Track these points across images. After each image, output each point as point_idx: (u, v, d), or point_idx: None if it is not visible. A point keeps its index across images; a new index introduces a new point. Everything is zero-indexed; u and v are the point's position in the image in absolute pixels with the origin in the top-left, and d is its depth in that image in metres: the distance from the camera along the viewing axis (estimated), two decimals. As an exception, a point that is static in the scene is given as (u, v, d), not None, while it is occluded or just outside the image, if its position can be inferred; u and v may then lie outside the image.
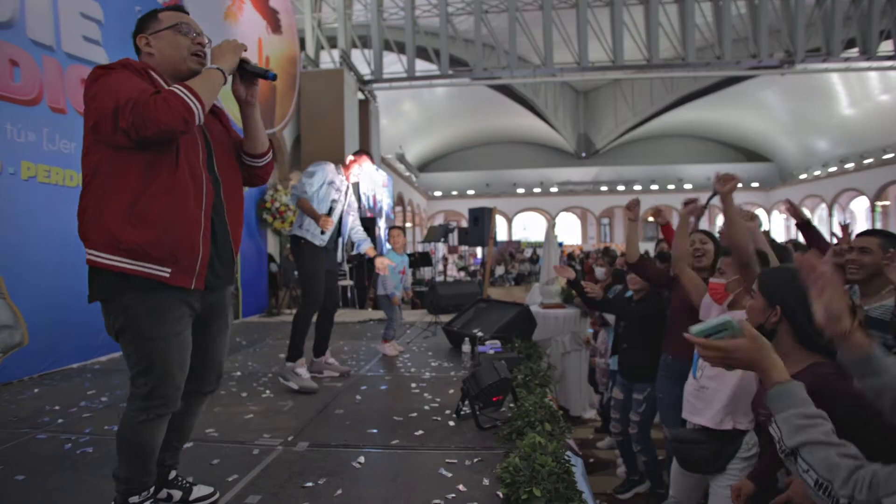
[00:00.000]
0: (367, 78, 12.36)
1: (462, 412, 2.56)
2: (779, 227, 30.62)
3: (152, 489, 1.59)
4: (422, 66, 13.03)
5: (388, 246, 4.47)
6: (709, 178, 32.07)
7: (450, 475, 1.91)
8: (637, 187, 33.02)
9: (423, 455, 2.14)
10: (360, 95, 12.18)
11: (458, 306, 5.57)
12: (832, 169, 27.12)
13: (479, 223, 6.96)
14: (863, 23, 11.93)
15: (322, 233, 3.30)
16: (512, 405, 2.52)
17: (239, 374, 3.61)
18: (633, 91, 29.41)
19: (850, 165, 25.85)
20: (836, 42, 11.80)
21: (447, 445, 2.22)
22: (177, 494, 1.69)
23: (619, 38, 12.03)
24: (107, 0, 4.31)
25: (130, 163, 1.42)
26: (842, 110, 25.53)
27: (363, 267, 8.76)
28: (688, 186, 32.55)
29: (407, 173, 26.33)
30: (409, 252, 4.37)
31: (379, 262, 3.57)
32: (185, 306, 1.53)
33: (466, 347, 3.97)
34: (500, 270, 16.57)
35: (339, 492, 1.79)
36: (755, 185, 31.39)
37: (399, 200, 23.05)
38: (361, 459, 2.07)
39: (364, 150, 3.70)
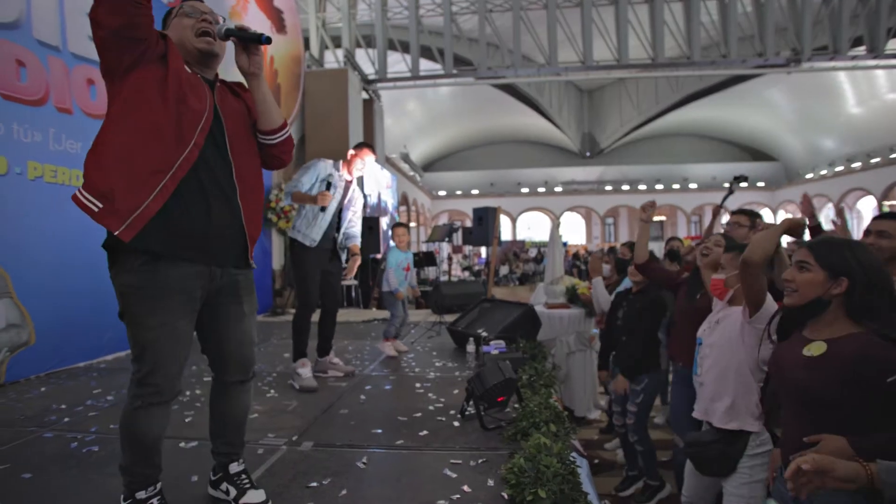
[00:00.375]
0: (371, 77, 12.37)
1: (467, 412, 2.55)
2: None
3: (159, 485, 1.58)
4: (426, 65, 13.03)
5: (392, 243, 4.40)
6: (714, 177, 32.11)
7: (454, 476, 1.90)
8: (642, 187, 32.92)
9: (428, 455, 2.14)
10: (365, 95, 12.19)
11: (463, 306, 5.56)
12: (839, 168, 26.95)
13: (484, 223, 6.94)
14: (871, 20, 11.84)
15: (319, 227, 3.26)
16: (517, 405, 2.51)
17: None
18: (638, 90, 29.31)
19: (857, 165, 25.67)
20: (843, 40, 11.72)
21: (452, 446, 2.21)
22: (232, 492, 1.68)
23: (624, 37, 11.99)
24: (112, 0, 4.32)
25: (116, 103, 1.48)
26: (849, 109, 25.36)
27: (367, 266, 8.76)
28: (693, 186, 32.43)
29: (411, 173, 26.34)
30: (413, 252, 4.30)
31: (353, 261, 3.49)
32: (181, 294, 1.51)
33: (471, 347, 3.96)
34: (504, 270, 16.56)
35: (344, 492, 1.79)
36: (761, 184, 31.23)
37: (403, 200, 23.07)
38: (366, 459, 2.07)
39: (366, 143, 3.63)
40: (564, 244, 14.26)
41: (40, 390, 3.24)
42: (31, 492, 1.84)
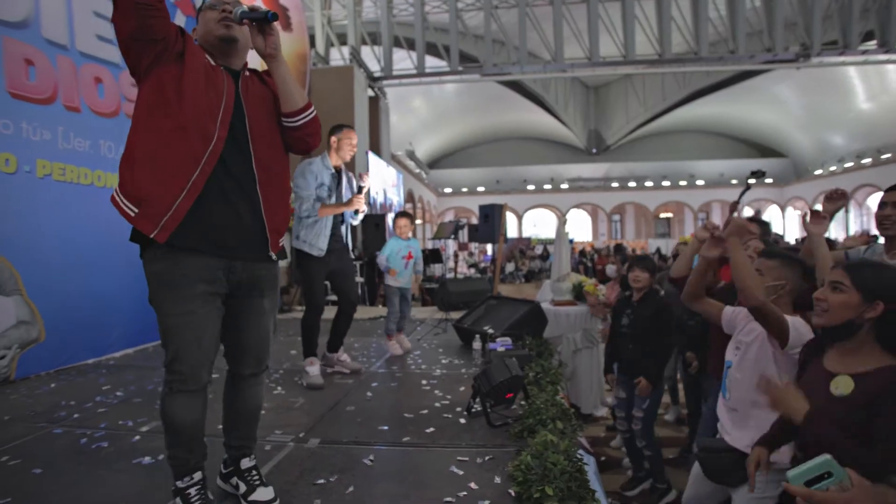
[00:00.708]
0: (377, 75, 12.37)
1: (473, 409, 2.55)
2: (793, 223, 30.21)
3: (199, 474, 1.60)
4: (431, 62, 13.01)
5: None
6: (722, 174, 31.87)
7: (461, 473, 1.90)
8: (648, 183, 32.77)
9: (435, 452, 2.14)
10: (370, 92, 12.20)
11: (469, 303, 5.56)
12: (848, 164, 26.69)
13: (490, 220, 6.93)
14: (881, 14, 11.70)
15: (325, 235, 3.22)
16: (523, 403, 2.51)
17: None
18: (645, 86, 29.12)
19: (866, 161, 25.41)
20: (853, 34, 11.59)
21: (458, 443, 2.21)
22: (242, 488, 1.70)
23: (631, 33, 11.92)
24: (119, -1, 4.34)
25: (140, 105, 1.52)
26: (859, 104, 25.09)
27: (373, 264, 8.78)
28: (700, 182, 32.23)
29: (417, 170, 26.34)
30: (410, 235, 4.16)
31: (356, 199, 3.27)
32: (203, 283, 1.52)
33: (477, 344, 3.96)
34: (510, 267, 16.53)
35: (351, 489, 1.79)
36: (769, 181, 30.98)
37: (409, 197, 23.07)
38: (372, 457, 2.07)
39: (342, 124, 3.43)
40: (571, 241, 14.22)
41: (50, 386, 3.27)
42: (42, 486, 1.86)
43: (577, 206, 33.27)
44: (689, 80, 26.66)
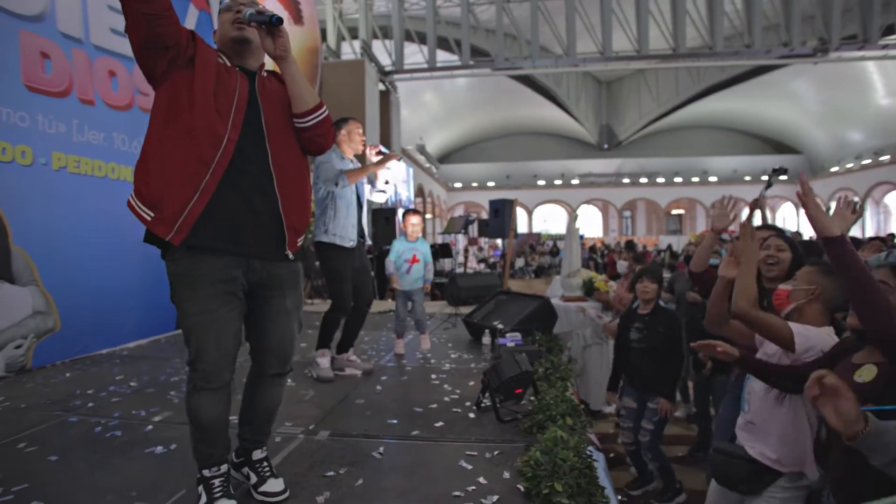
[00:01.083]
0: (388, 69, 12.35)
1: (482, 404, 2.55)
2: (807, 222, 29.76)
3: (224, 466, 1.62)
4: (443, 56, 12.97)
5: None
6: (735, 170, 31.48)
7: (470, 468, 1.90)
8: (660, 179, 32.47)
9: (444, 446, 2.14)
10: (381, 86, 12.19)
11: (478, 298, 5.56)
12: (866, 161, 26.23)
13: (500, 215, 6.91)
14: (903, 8, 11.44)
15: (352, 224, 3.13)
16: (532, 398, 2.51)
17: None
18: (658, 81, 28.80)
19: (885, 158, 24.95)
20: (873, 28, 11.35)
21: (467, 437, 2.22)
22: (253, 478, 1.71)
23: (645, 27, 11.77)
24: (133, -8, 4.37)
25: (154, 112, 1.54)
26: (878, 100, 24.61)
27: (382, 257, 8.79)
28: (713, 179, 31.88)
29: (427, 164, 26.32)
30: (419, 235, 3.91)
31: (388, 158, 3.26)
32: (222, 283, 1.53)
33: (486, 339, 3.96)
34: (520, 262, 16.49)
35: (360, 482, 1.80)
36: (783, 178, 30.48)
37: (419, 192, 23.08)
38: (381, 450, 2.08)
39: (344, 117, 3.30)
40: (581, 237, 14.14)
41: (65, 376, 3.32)
42: (57, 473, 1.89)
43: (588, 202, 33.07)
44: (703, 75, 26.31)
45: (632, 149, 33.87)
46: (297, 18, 8.58)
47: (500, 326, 3.85)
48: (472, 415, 2.50)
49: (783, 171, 3.58)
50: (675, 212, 33.15)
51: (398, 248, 3.84)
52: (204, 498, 1.57)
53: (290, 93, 1.66)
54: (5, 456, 2.05)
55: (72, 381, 3.18)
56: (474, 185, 33.59)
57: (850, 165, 27.30)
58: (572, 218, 5.92)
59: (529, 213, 32.51)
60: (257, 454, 1.74)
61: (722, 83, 26.83)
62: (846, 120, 27.10)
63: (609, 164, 33.85)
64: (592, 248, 18.71)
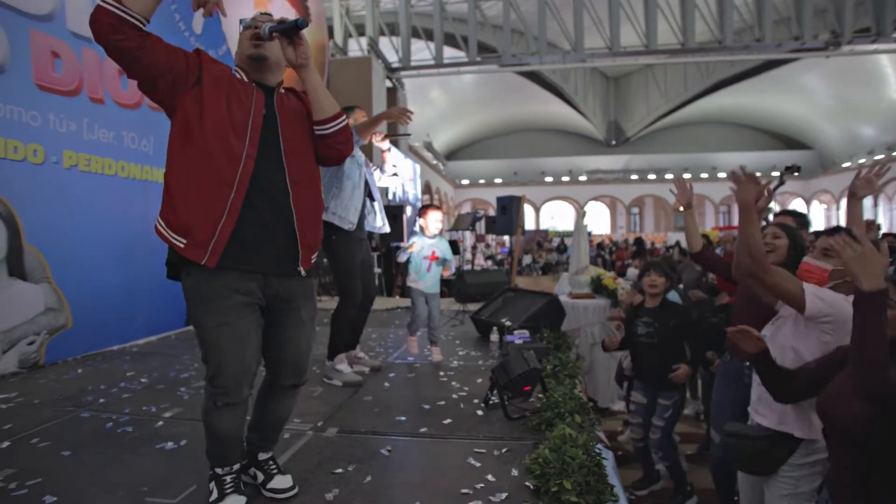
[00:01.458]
0: (395, 65, 12.34)
1: (490, 402, 2.55)
2: (819, 217, 29.48)
3: (236, 466, 1.63)
4: (450, 52, 12.93)
5: (417, 230, 3.63)
6: (745, 166, 31.20)
7: (478, 465, 1.90)
8: (669, 176, 32.21)
9: (452, 444, 2.14)
10: (388, 83, 12.17)
11: (486, 295, 5.55)
12: (879, 156, 25.85)
13: (508, 212, 6.89)
14: (918, 0, 11.24)
15: (355, 209, 2.99)
16: (540, 395, 2.50)
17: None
18: (666, 76, 28.57)
19: (898, 153, 24.59)
20: (887, 21, 11.16)
21: (475, 435, 2.21)
22: (260, 477, 1.72)
23: (653, 22, 11.67)
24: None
25: (172, 139, 1.54)
26: (891, 94, 24.23)
27: (390, 255, 8.80)
28: (721, 175, 31.54)
29: (434, 161, 26.30)
30: (438, 231, 3.59)
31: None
32: (238, 295, 1.53)
33: (494, 337, 3.95)
34: (527, 259, 16.45)
35: (369, 479, 1.80)
36: (795, 174, 30.18)
37: (426, 188, 23.07)
38: (390, 447, 2.08)
39: (353, 105, 3.18)
40: (589, 234, 14.10)
41: (77, 372, 3.36)
42: (70, 468, 1.91)
43: (596, 199, 32.92)
44: (712, 70, 26.06)
45: (640, 145, 33.63)
46: (305, 15, 8.60)
47: (508, 323, 3.84)
48: (480, 412, 2.50)
49: (796, 169, 3.50)
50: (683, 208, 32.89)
51: (420, 244, 3.48)
52: (215, 494, 1.59)
53: (311, 100, 1.66)
54: (19, 451, 2.07)
55: (83, 378, 3.21)
56: (481, 181, 33.52)
57: (862, 161, 26.91)
58: (580, 215, 5.88)
59: (537, 210, 32.41)
60: (262, 455, 1.76)
61: (731, 78, 26.55)
62: (858, 114, 26.72)
63: (617, 160, 33.64)
64: (600, 245, 18.63)
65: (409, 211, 10.98)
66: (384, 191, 10.52)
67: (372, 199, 3.26)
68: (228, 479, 1.60)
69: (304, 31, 1.60)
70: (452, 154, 33.93)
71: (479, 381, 3.03)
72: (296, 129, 1.64)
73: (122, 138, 4.17)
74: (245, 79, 1.62)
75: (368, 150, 3.46)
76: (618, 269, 10.30)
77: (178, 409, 2.56)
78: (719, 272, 2.86)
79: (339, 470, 1.87)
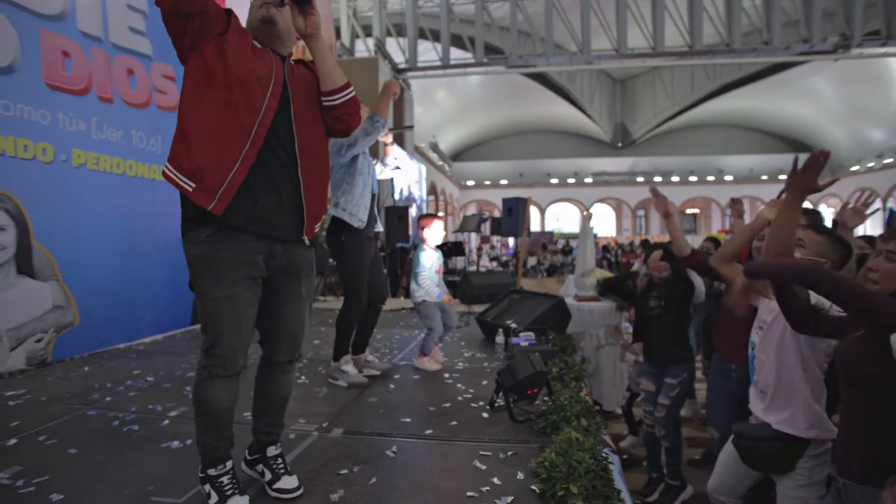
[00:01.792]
0: (401, 66, 12.35)
1: (496, 404, 2.54)
2: (826, 221, 29.22)
3: (229, 463, 1.62)
4: (456, 53, 12.93)
5: (422, 243, 3.48)
6: (752, 169, 31.00)
7: (484, 467, 1.89)
8: (675, 178, 32.11)
9: (457, 446, 2.13)
10: (395, 84, 12.16)
11: (491, 296, 5.54)
12: (888, 160, 25.66)
13: (514, 213, 6.88)
14: (929, 3, 11.16)
15: (364, 206, 2.94)
16: (546, 398, 2.49)
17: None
18: (673, 78, 28.48)
19: (907, 157, 24.40)
20: (897, 24, 11.08)
21: (481, 437, 2.21)
22: (267, 475, 1.72)
23: (661, 24, 11.63)
24: (151, -9, 4.42)
25: (188, 82, 1.54)
26: (900, 97, 24.07)
27: (395, 255, 8.81)
28: (728, 178, 31.46)
29: (440, 162, 26.31)
30: (442, 241, 3.52)
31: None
32: (243, 267, 1.54)
33: (500, 338, 3.94)
34: (532, 261, 16.42)
35: (374, 480, 1.80)
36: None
37: (432, 189, 23.08)
38: (395, 448, 2.08)
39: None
40: (594, 236, 14.05)
41: (84, 369, 3.38)
42: (76, 466, 1.92)
43: (601, 201, 32.84)
44: (719, 73, 25.96)
45: (646, 147, 33.53)
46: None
47: (514, 325, 3.83)
48: (485, 414, 2.49)
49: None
50: (689, 211, 32.79)
51: (431, 260, 3.40)
52: (214, 497, 1.57)
53: (320, 71, 1.67)
54: (27, 448, 2.08)
55: (90, 375, 3.23)
56: (487, 183, 33.50)
57: (870, 164, 26.74)
58: (587, 217, 5.86)
59: (542, 212, 32.35)
60: (272, 451, 1.75)
61: (739, 80, 26.44)
62: (867, 118, 26.54)
63: (623, 162, 33.55)
64: (606, 248, 18.58)
65: (414, 211, 10.98)
66: (389, 191, 10.53)
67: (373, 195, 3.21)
68: (225, 479, 1.59)
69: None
70: (458, 155, 33.93)
71: (485, 383, 3.03)
72: (305, 99, 1.66)
73: (130, 137, 4.20)
74: (259, 45, 1.63)
75: (375, 147, 3.44)
76: (623, 270, 10.26)
77: (184, 407, 2.57)
78: (712, 274, 2.86)
79: (345, 471, 1.87)
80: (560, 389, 2.54)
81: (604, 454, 1.80)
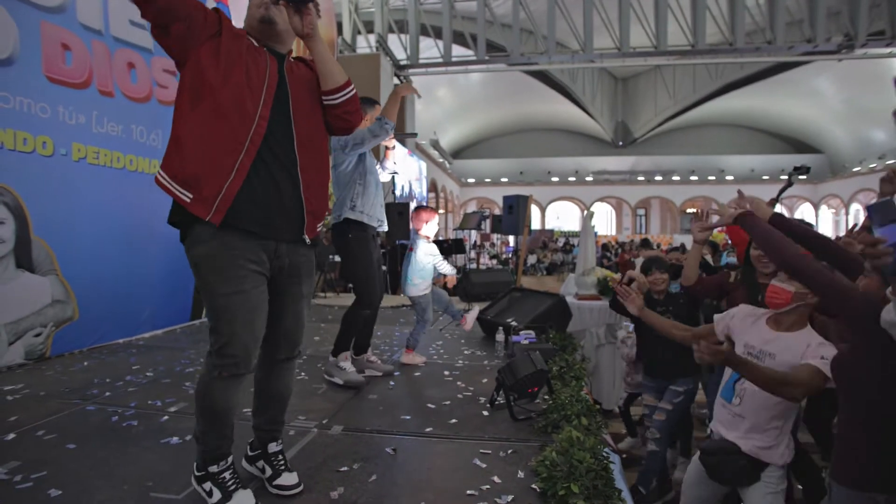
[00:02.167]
0: (403, 63, 12.32)
1: (496, 402, 2.53)
2: (827, 222, 29.25)
3: (230, 458, 1.61)
4: (458, 51, 12.89)
5: (418, 237, 3.51)
6: (753, 169, 30.97)
7: (484, 466, 1.89)
8: (675, 178, 32.07)
9: (457, 444, 2.13)
10: (396, 80, 12.16)
11: (491, 294, 5.53)
12: (891, 161, 25.59)
13: (514, 211, 6.87)
14: (933, 4, 11.11)
15: (379, 205, 2.96)
16: (546, 397, 2.48)
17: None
18: (675, 78, 28.42)
19: (909, 158, 24.36)
20: (901, 25, 11.04)
21: (481, 435, 2.20)
22: (268, 472, 1.72)
23: (663, 22, 11.60)
24: (153, -15, 4.39)
25: (181, 91, 1.52)
26: (903, 98, 23.99)
27: (395, 252, 8.79)
28: (729, 178, 31.42)
29: (440, 160, 26.28)
30: (441, 238, 3.53)
31: None
32: (251, 263, 1.53)
33: (500, 336, 3.93)
34: (532, 259, 16.41)
35: (374, 477, 1.79)
36: (802, 177, 29.96)
37: (432, 187, 23.07)
38: (395, 446, 2.07)
39: (375, 101, 3.05)
40: (594, 234, 14.03)
41: (83, 364, 3.37)
42: (76, 461, 1.91)
43: (602, 200, 32.80)
44: (721, 72, 25.90)
45: (647, 146, 33.48)
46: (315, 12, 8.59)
47: (514, 324, 3.82)
48: (485, 412, 2.49)
49: (805, 169, 3.41)
50: (690, 210, 32.76)
51: (433, 251, 3.48)
52: (217, 494, 1.56)
53: (320, 69, 1.66)
54: (25, 443, 2.08)
55: (89, 370, 3.22)
56: (487, 180, 33.47)
57: (873, 165, 26.70)
58: (588, 215, 5.85)
59: (542, 210, 32.33)
60: (273, 447, 1.74)
61: (741, 80, 26.38)
62: (870, 118, 26.47)
63: (624, 161, 33.51)
64: (605, 247, 18.58)
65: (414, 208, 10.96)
66: (390, 188, 10.51)
67: None
68: (227, 475, 1.58)
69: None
70: (459, 152, 33.89)
71: (485, 381, 3.02)
72: (305, 98, 1.65)
73: (130, 132, 4.18)
74: (256, 44, 1.62)
75: (377, 148, 3.43)
76: (622, 271, 10.25)
77: (184, 403, 2.56)
78: (713, 294, 2.84)
79: (344, 468, 1.86)
80: (560, 388, 2.54)
81: (605, 453, 1.80)
